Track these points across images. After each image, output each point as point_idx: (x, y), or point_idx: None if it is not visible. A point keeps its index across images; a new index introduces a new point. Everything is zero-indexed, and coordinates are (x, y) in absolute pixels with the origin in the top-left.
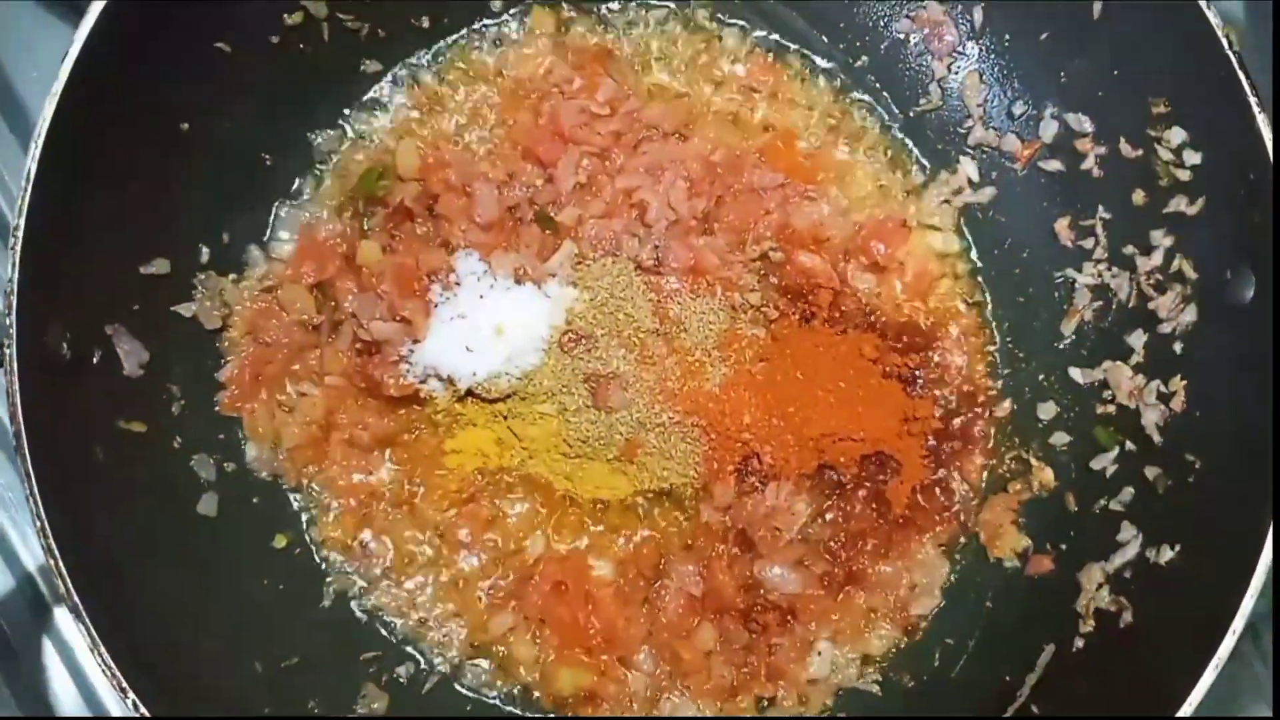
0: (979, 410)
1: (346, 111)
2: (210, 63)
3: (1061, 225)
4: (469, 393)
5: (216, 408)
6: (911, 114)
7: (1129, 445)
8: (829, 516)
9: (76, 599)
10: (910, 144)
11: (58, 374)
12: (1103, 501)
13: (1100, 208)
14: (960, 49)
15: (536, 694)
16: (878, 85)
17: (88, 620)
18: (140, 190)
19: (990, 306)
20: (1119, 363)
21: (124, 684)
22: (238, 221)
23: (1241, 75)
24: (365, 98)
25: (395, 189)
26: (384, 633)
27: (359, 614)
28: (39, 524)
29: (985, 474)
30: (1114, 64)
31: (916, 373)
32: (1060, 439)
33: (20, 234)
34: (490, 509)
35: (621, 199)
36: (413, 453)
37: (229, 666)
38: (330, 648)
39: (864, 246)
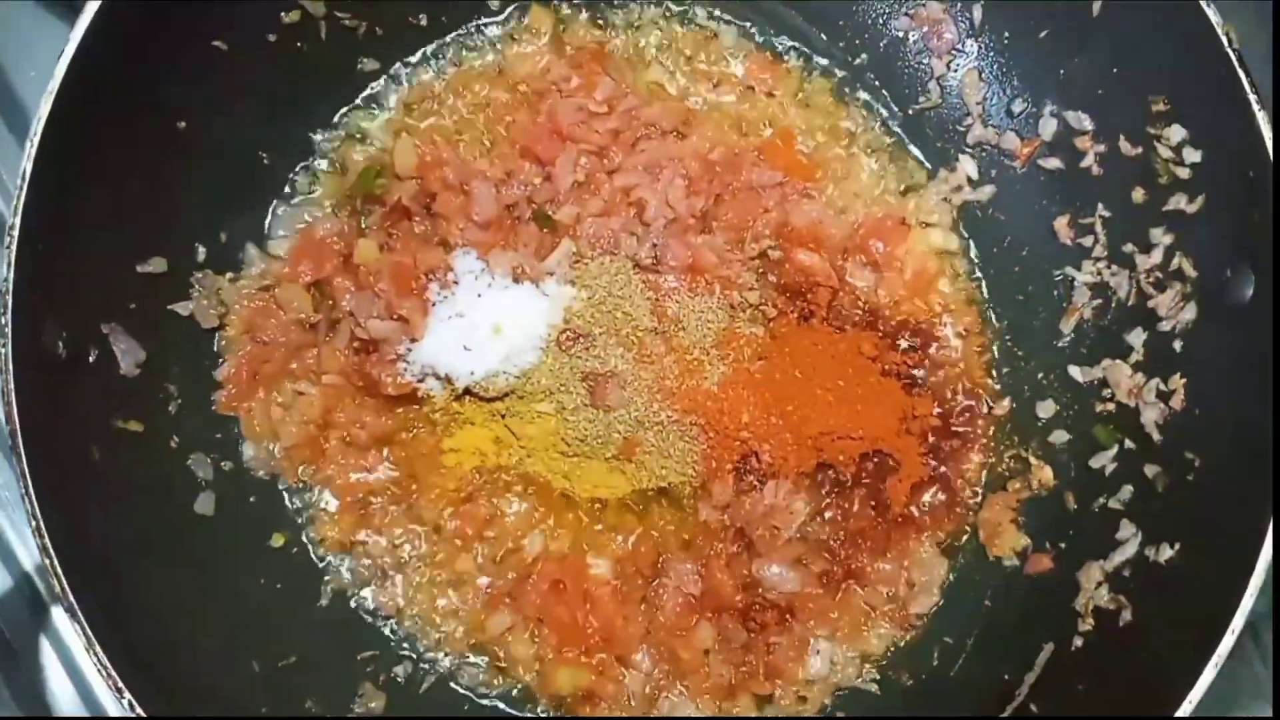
0: (978, 408)
1: (344, 110)
2: (207, 61)
3: (1061, 223)
4: (467, 391)
5: (214, 407)
6: (910, 112)
7: (1128, 443)
8: (828, 515)
9: (72, 598)
10: (909, 142)
11: (54, 373)
12: (1102, 500)
13: (1100, 206)
14: (959, 47)
15: (534, 693)
16: (877, 83)
17: (83, 619)
18: (137, 189)
19: (989, 305)
20: (1118, 361)
21: (120, 684)
22: (235, 220)
23: (1241, 74)
24: (363, 96)
25: (393, 187)
26: (382, 632)
27: (357, 613)
28: (35, 523)
29: (984, 472)
30: (1113, 62)
31: (915, 371)
32: (1059, 437)
33: (16, 233)
34: (488, 508)
35: (620, 197)
36: (410, 451)
37: (226, 666)
38: (328, 647)
39: (863, 245)
